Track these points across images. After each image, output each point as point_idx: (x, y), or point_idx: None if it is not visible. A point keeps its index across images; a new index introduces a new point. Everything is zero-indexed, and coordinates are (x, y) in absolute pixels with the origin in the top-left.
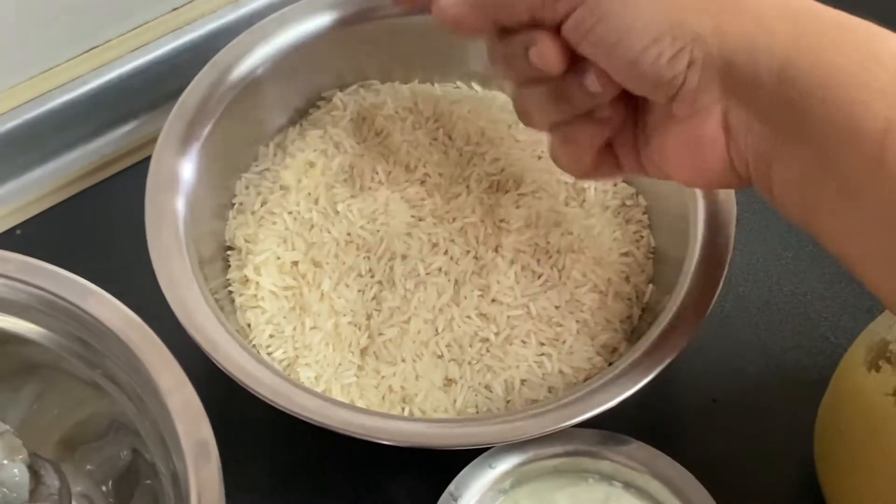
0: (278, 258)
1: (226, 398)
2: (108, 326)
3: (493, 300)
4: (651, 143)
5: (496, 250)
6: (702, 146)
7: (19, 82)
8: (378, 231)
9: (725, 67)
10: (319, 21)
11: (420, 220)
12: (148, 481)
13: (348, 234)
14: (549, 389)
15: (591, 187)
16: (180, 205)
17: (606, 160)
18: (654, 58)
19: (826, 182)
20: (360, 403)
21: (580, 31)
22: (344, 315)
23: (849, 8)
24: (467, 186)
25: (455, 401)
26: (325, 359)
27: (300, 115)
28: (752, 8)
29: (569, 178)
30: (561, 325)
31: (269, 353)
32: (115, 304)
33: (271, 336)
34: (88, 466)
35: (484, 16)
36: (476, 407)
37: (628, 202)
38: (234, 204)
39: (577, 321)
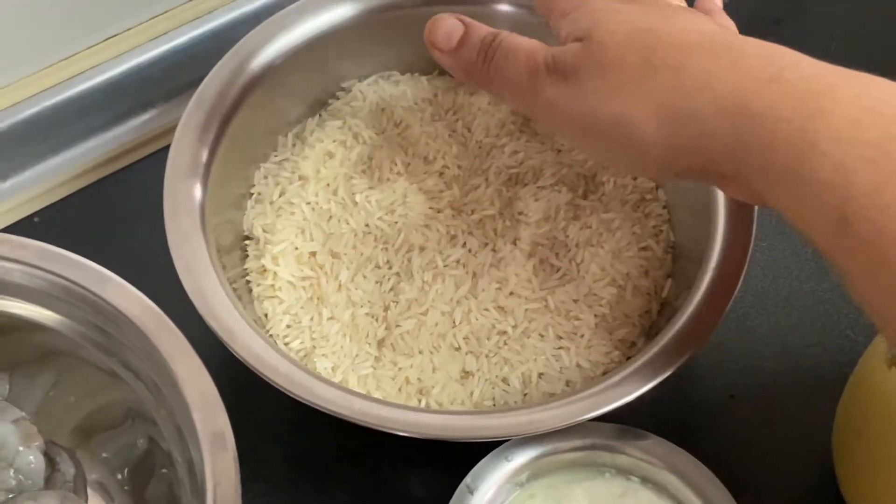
0: (296, 248)
1: (242, 387)
2: (126, 314)
3: (511, 293)
4: None
5: (514, 243)
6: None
7: (38, 70)
8: (396, 222)
9: (703, 171)
10: (339, 11)
11: (438, 211)
12: (164, 470)
13: (366, 225)
14: (567, 383)
15: (610, 181)
16: (199, 194)
17: None
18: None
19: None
20: (376, 395)
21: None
22: (361, 306)
23: None
24: (486, 178)
25: (472, 393)
26: (342, 349)
27: (319, 106)
28: (699, 118)
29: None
30: (579, 319)
31: (286, 344)
32: (132, 292)
33: (288, 326)
34: (104, 454)
35: (469, 80)
36: (493, 400)
37: (647, 196)
38: (252, 194)
39: (596, 315)
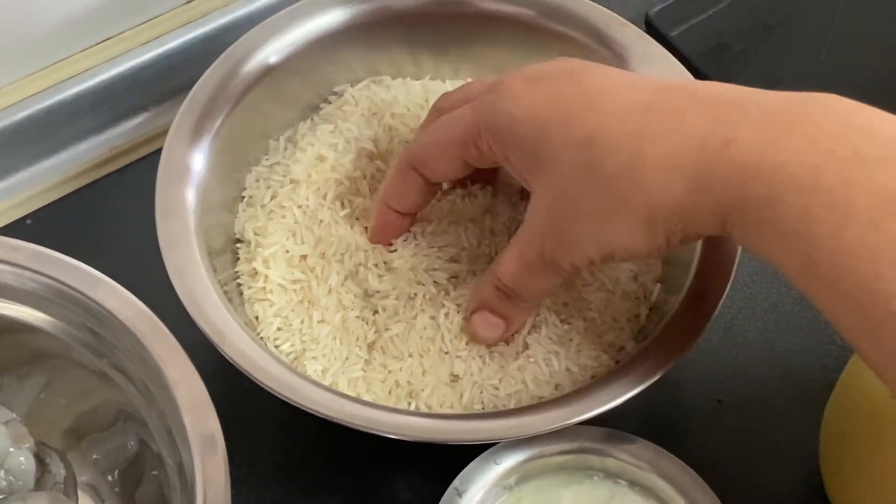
0: (287, 251)
1: (233, 390)
2: (117, 316)
3: None
4: None
5: (499, 248)
6: None
7: (31, 73)
8: None
9: (683, 238)
10: (332, 16)
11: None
12: (154, 472)
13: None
14: (556, 387)
15: None
16: (190, 196)
17: None
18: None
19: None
20: (366, 397)
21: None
22: (351, 309)
23: None
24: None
25: (461, 396)
26: (332, 352)
27: (311, 110)
28: (649, 205)
29: None
30: (569, 324)
31: (276, 346)
32: (124, 294)
33: (279, 329)
34: (95, 456)
35: (533, 309)
36: (482, 403)
37: None
38: (243, 197)
39: (585, 319)
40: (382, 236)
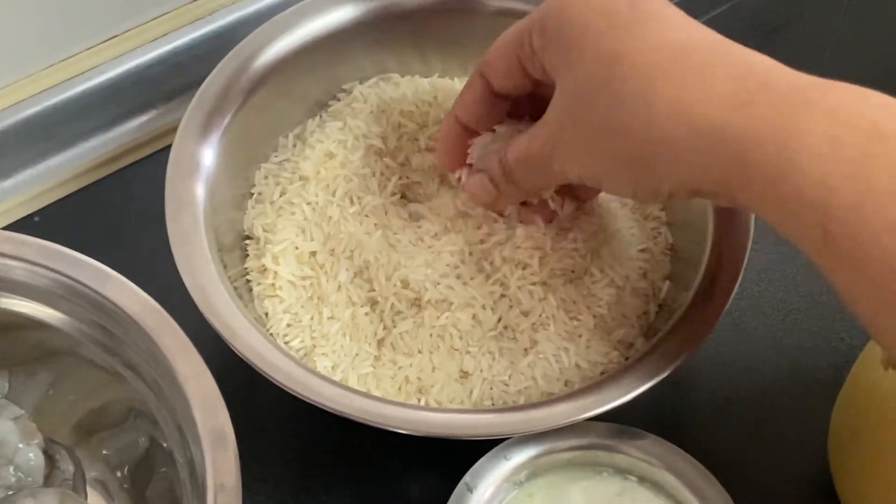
0: (296, 248)
1: (243, 386)
2: (127, 312)
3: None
4: None
5: (510, 246)
6: None
7: (40, 70)
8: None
9: (693, 192)
10: (341, 14)
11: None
12: (164, 469)
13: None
14: (566, 383)
15: None
16: (200, 193)
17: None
18: (642, 198)
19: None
20: (376, 394)
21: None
22: (361, 306)
23: None
24: None
25: (471, 392)
26: (342, 349)
27: (320, 107)
28: (677, 148)
29: None
30: (578, 320)
31: (286, 342)
32: (134, 290)
33: (289, 325)
34: (105, 452)
35: (522, 196)
36: (492, 399)
37: None
38: (253, 194)
39: (595, 316)
40: (446, 153)
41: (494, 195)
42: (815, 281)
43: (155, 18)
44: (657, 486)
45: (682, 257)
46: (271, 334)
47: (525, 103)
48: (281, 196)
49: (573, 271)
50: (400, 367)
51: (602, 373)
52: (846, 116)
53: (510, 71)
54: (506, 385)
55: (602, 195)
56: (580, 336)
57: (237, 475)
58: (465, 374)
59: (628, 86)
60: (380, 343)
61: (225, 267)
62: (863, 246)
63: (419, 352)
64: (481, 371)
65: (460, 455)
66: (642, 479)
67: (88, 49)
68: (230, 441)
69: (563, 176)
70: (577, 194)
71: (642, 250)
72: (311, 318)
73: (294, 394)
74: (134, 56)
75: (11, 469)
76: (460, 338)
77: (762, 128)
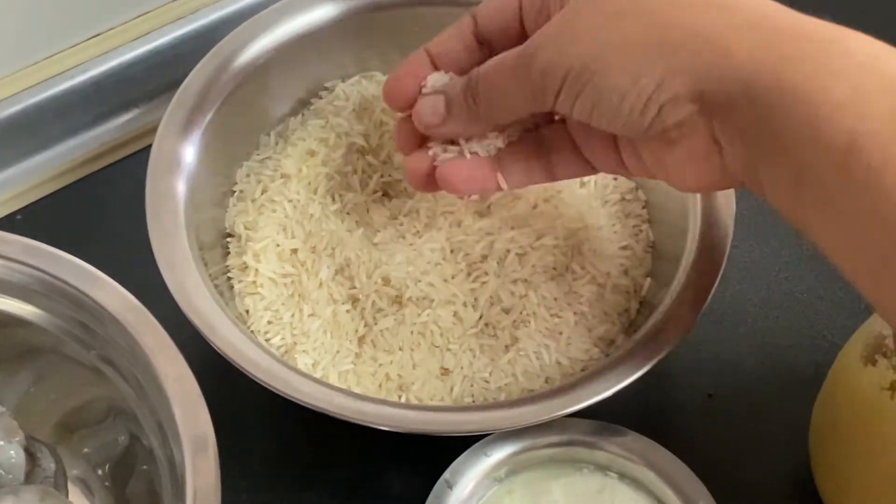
0: (278, 245)
1: (224, 383)
2: (108, 310)
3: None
4: (643, 154)
5: (491, 244)
6: (699, 161)
7: (22, 68)
8: None
9: (697, 97)
10: (322, 11)
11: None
12: (145, 466)
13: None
14: (546, 380)
15: (592, 181)
16: (181, 190)
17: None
18: (627, 114)
19: (804, 191)
20: (357, 391)
21: (565, 114)
22: (342, 303)
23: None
24: None
25: (452, 389)
26: (322, 346)
27: (302, 105)
28: (711, 35)
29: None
30: (559, 317)
31: (267, 340)
32: (115, 288)
33: (269, 322)
34: (85, 450)
35: (474, 126)
36: (472, 396)
37: (628, 196)
38: (234, 191)
39: (576, 313)
40: (404, 74)
41: (442, 118)
42: (797, 279)
43: (137, 17)
44: (637, 483)
45: (663, 255)
46: (252, 331)
47: None
48: (262, 194)
49: (555, 268)
50: (381, 364)
51: (583, 369)
52: (880, 48)
53: (503, 6)
54: (486, 382)
55: (583, 191)
56: (561, 333)
57: (216, 472)
58: (445, 371)
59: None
60: (360, 340)
61: (206, 264)
62: (888, 160)
63: (400, 349)
64: (462, 368)
65: (440, 452)
66: (623, 476)
67: (70, 48)
68: (210, 438)
69: (541, 81)
70: (548, 157)
71: (624, 247)
72: (292, 316)
73: (274, 391)
74: (116, 55)
75: None
76: (441, 335)
77: (804, 33)
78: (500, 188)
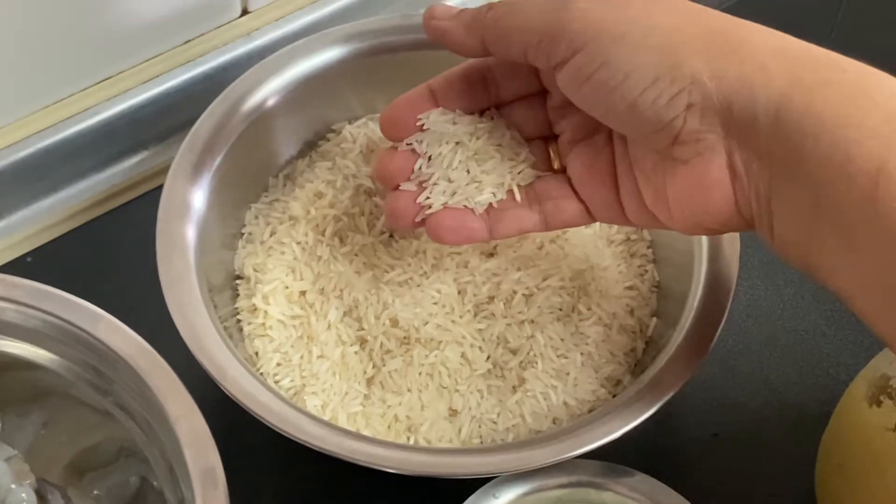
0: (286, 287)
1: (233, 426)
2: (119, 353)
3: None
4: (648, 188)
5: (498, 285)
6: (707, 188)
7: (32, 112)
8: None
9: (725, 109)
10: (330, 54)
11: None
12: None
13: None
14: (554, 421)
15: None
16: (191, 233)
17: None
18: (653, 100)
19: (822, 220)
20: (366, 432)
21: (580, 77)
22: (350, 345)
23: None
24: None
25: (460, 430)
26: (331, 387)
27: (310, 147)
28: (748, 49)
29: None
30: (566, 358)
31: (276, 382)
32: (125, 331)
33: (279, 364)
34: (96, 492)
35: (475, 37)
36: (481, 437)
37: (633, 236)
38: (243, 234)
39: (582, 353)
40: (400, 109)
41: (451, 16)
42: (802, 317)
43: (147, 60)
44: None
45: (668, 294)
46: (261, 373)
47: None
48: (271, 236)
49: (561, 309)
50: (389, 406)
51: (590, 410)
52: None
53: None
54: (494, 423)
55: (588, 232)
56: (568, 374)
57: None
58: (454, 412)
59: None
60: (369, 382)
61: (215, 307)
62: None
63: (408, 390)
64: (470, 409)
65: (449, 493)
66: None
67: (82, 91)
68: (220, 480)
69: (569, 25)
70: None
71: (629, 287)
72: (301, 357)
73: (283, 434)
74: (126, 97)
75: None
76: (449, 376)
77: (838, 67)
78: (487, 239)
